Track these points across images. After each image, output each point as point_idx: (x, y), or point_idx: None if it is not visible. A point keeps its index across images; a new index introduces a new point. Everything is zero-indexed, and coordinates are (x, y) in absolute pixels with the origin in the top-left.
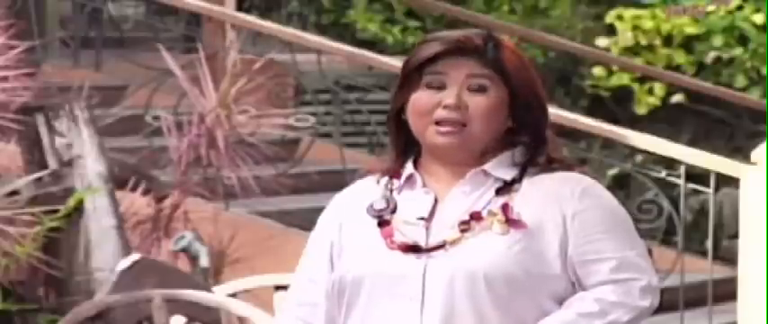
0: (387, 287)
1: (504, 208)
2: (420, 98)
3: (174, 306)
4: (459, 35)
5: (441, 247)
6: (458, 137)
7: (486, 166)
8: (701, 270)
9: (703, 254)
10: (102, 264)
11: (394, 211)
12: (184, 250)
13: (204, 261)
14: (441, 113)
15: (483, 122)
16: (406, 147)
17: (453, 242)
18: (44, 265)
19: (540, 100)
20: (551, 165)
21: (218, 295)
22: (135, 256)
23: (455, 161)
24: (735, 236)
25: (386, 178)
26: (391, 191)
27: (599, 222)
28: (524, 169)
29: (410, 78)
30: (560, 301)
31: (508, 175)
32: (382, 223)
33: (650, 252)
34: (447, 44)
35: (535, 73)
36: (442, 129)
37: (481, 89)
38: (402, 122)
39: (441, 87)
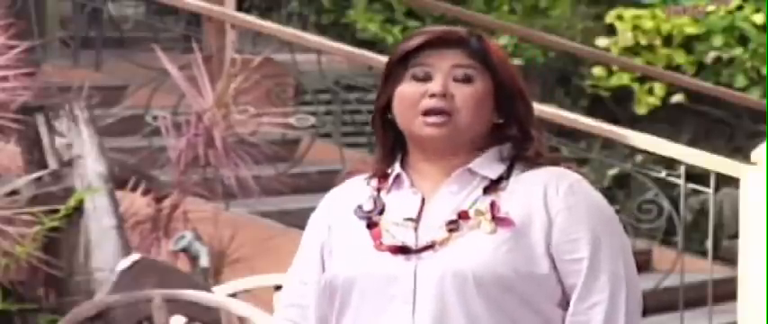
0: (378, 289)
1: (492, 206)
2: (405, 89)
3: (174, 306)
4: (442, 28)
5: (430, 247)
6: (445, 127)
7: (472, 165)
8: (701, 270)
9: (703, 254)
10: (102, 264)
11: (382, 211)
12: (184, 250)
13: (204, 261)
14: (427, 103)
15: (470, 112)
16: (393, 145)
17: (442, 242)
18: (44, 265)
19: (523, 94)
20: (538, 160)
21: (218, 295)
22: (135, 256)
23: (443, 154)
24: (735, 236)
25: (374, 179)
26: (379, 191)
27: (579, 220)
28: (512, 165)
29: (395, 73)
30: (563, 304)
31: (494, 172)
32: (371, 224)
33: (650, 252)
34: (431, 36)
35: (516, 70)
36: (430, 119)
37: (467, 79)
38: (388, 121)
39: (426, 79)
